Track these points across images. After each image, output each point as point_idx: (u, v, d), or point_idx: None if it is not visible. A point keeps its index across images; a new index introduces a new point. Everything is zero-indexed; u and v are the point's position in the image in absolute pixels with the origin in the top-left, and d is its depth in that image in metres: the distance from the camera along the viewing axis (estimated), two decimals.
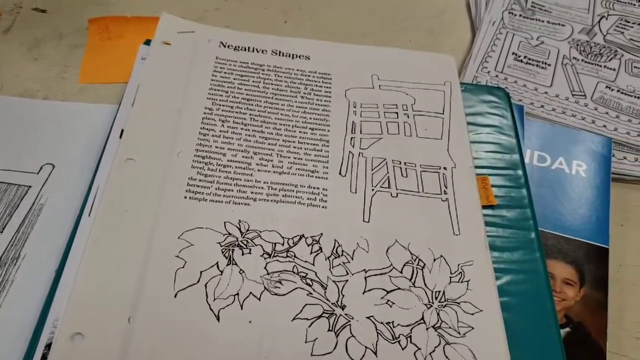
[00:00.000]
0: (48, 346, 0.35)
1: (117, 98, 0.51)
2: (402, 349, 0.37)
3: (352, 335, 0.37)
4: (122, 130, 0.45)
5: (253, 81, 0.50)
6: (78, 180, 0.46)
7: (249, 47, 0.53)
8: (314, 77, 0.52)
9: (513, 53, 0.66)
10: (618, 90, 0.63)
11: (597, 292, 0.46)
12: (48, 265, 0.41)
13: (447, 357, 0.37)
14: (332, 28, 0.65)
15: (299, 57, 0.53)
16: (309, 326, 0.37)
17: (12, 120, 0.51)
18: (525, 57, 0.65)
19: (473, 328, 0.39)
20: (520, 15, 0.71)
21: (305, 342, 0.37)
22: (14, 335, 0.38)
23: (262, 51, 0.53)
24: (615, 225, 0.51)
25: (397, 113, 0.50)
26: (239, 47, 0.53)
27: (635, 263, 0.49)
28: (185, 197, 0.42)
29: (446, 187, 0.46)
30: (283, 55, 0.53)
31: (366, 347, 0.37)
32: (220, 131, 0.46)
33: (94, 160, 0.46)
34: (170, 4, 0.64)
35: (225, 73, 0.50)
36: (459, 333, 0.38)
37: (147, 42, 0.52)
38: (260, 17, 0.65)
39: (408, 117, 0.50)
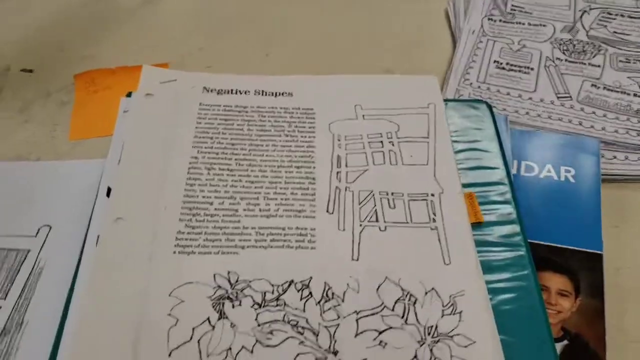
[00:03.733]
0: None
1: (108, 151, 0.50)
2: None
3: None
4: (109, 188, 0.43)
5: (237, 124, 0.49)
6: (75, 239, 0.45)
7: (232, 90, 0.51)
8: (297, 113, 0.50)
9: (495, 61, 0.63)
10: (604, 88, 0.60)
11: (593, 300, 0.44)
12: (51, 330, 0.40)
13: None
14: (314, 57, 0.63)
15: (282, 94, 0.51)
16: None
17: (6, 184, 0.50)
18: (507, 63, 0.63)
19: None
20: (500, 21, 0.68)
21: None
22: None
23: (245, 92, 0.51)
24: (610, 228, 0.49)
25: (381, 142, 0.48)
26: (222, 90, 0.51)
27: (633, 265, 0.47)
28: (175, 252, 0.40)
29: (434, 215, 0.44)
30: (266, 95, 0.51)
31: None
32: (207, 180, 0.45)
33: (89, 218, 0.45)
34: (152, 50, 0.62)
35: (209, 119, 0.49)
36: None
37: (129, 95, 0.51)
38: (242, 53, 0.63)
39: (393, 145, 0.48)
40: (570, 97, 0.59)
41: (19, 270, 0.45)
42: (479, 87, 0.60)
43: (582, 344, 0.43)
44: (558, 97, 0.59)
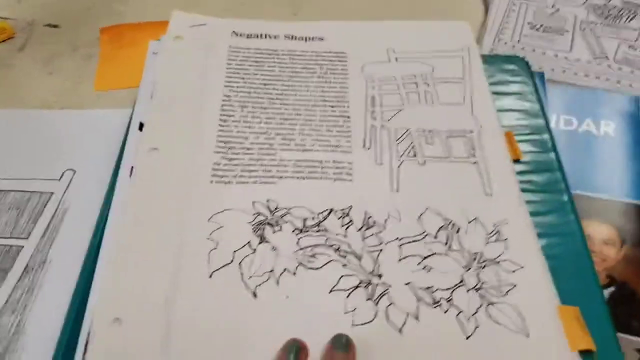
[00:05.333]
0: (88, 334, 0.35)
1: (133, 102, 0.51)
2: (444, 313, 0.37)
3: (392, 303, 0.37)
4: (141, 123, 0.45)
5: (268, 66, 0.51)
6: (99, 183, 0.46)
7: (261, 34, 0.53)
8: (329, 56, 0.52)
9: (528, 22, 0.65)
10: None
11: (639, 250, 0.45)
12: (74, 268, 0.41)
13: (490, 317, 0.37)
14: (341, 18, 0.64)
15: (312, 39, 0.53)
16: (347, 297, 0.37)
17: (32, 131, 0.52)
18: (541, 25, 0.65)
19: (515, 285, 0.38)
20: None
21: (345, 313, 0.36)
22: (45, 338, 0.38)
23: (275, 37, 0.53)
24: None
25: (416, 83, 0.50)
26: (251, 34, 0.53)
27: None
28: (212, 182, 0.42)
29: (474, 150, 0.45)
30: (296, 39, 0.53)
31: (407, 313, 0.36)
32: (241, 116, 0.46)
33: (114, 162, 0.46)
34: (179, 8, 0.64)
35: (240, 61, 0.51)
36: (501, 292, 0.38)
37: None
38: (268, 13, 0.65)
39: (428, 85, 0.50)
40: (607, 57, 0.61)
41: (42, 212, 0.46)
42: (514, 46, 0.62)
43: (629, 292, 0.44)
44: (594, 57, 0.61)
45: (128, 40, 0.60)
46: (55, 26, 0.63)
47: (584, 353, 0.36)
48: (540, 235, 0.42)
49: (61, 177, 0.48)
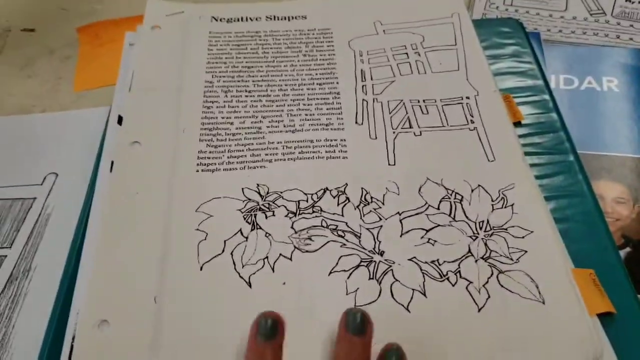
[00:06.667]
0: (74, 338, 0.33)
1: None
2: (453, 286, 0.35)
3: (396, 280, 0.35)
4: (120, 117, 0.43)
5: (251, 48, 0.49)
6: (83, 184, 0.45)
7: (242, 17, 0.51)
8: (313, 34, 0.50)
9: None
10: None
11: None
12: (60, 274, 0.39)
13: (502, 286, 0.34)
14: None
15: (295, 18, 0.51)
16: (348, 278, 0.35)
17: (11, 137, 0.50)
18: None
19: (526, 251, 0.36)
20: None
21: (347, 294, 0.34)
22: (31, 347, 0.37)
23: (256, 19, 0.51)
24: None
25: (406, 54, 0.48)
26: (231, 19, 0.51)
27: None
28: (197, 171, 0.40)
29: (472, 116, 0.43)
30: (278, 19, 0.51)
31: (413, 290, 0.34)
32: (224, 101, 0.44)
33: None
34: None
35: (221, 45, 0.49)
36: (511, 259, 0.35)
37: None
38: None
39: (419, 55, 0.48)
40: (604, 13, 0.59)
41: (24, 218, 0.45)
42: (507, 9, 0.60)
43: None
44: (591, 14, 0.59)
45: (107, 37, 0.59)
46: (31, 30, 0.61)
47: (603, 318, 0.34)
48: (548, 198, 0.40)
49: (43, 181, 0.47)
